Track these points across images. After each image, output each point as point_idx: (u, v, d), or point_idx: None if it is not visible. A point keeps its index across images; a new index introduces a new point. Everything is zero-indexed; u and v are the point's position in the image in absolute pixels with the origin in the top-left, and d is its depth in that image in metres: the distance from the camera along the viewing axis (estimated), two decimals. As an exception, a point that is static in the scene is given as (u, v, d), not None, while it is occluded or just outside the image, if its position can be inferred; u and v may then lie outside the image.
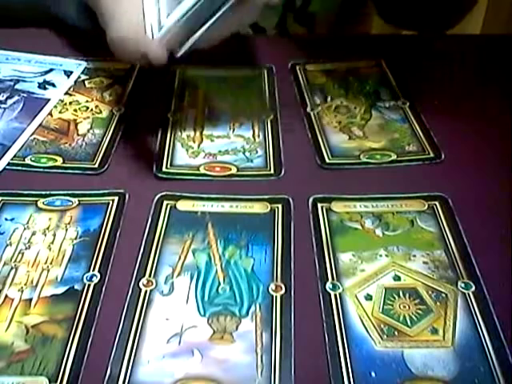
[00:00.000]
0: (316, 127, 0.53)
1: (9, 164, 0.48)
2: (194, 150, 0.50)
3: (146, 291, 0.38)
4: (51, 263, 0.40)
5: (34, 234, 0.42)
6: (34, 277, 0.39)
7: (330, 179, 0.47)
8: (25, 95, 0.56)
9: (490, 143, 0.51)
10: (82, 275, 0.39)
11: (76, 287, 0.38)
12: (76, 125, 0.53)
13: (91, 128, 0.52)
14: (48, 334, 0.35)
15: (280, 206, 0.44)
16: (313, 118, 0.54)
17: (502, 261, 0.40)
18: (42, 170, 0.47)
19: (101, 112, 0.54)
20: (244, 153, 0.50)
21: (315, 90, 0.58)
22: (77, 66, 0.60)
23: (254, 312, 0.36)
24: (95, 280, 0.38)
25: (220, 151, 0.50)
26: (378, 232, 0.42)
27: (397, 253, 0.40)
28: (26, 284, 0.38)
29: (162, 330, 0.36)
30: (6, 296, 0.37)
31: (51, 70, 0.60)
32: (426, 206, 0.44)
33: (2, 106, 0.54)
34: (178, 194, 0.45)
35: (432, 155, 0.49)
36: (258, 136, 0.52)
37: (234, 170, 0.48)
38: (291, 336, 0.35)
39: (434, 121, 0.53)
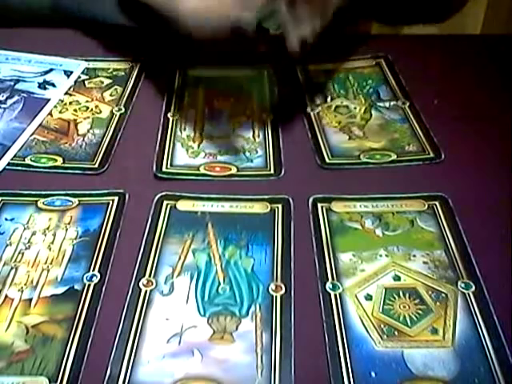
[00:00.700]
0: (316, 127, 0.53)
1: (9, 164, 0.48)
2: (194, 150, 0.50)
3: (146, 291, 0.38)
4: (51, 263, 0.40)
5: (33, 233, 0.42)
6: (34, 277, 0.39)
7: (330, 179, 0.47)
8: (25, 95, 0.56)
9: (490, 143, 0.51)
10: (82, 275, 0.39)
11: (76, 287, 0.38)
12: (76, 125, 0.53)
13: (91, 128, 0.52)
14: (48, 334, 0.35)
15: (280, 205, 0.44)
16: (313, 118, 0.54)
17: (502, 261, 0.40)
18: (42, 169, 0.47)
19: (101, 112, 0.54)
20: (244, 153, 0.50)
21: (315, 90, 0.58)
22: (77, 66, 0.60)
23: (253, 312, 0.36)
24: (95, 280, 0.38)
25: (220, 151, 0.50)
26: (378, 232, 0.42)
27: (397, 253, 0.40)
28: (26, 284, 0.38)
29: (162, 330, 0.36)
30: (6, 296, 0.37)
31: (51, 69, 0.60)
32: (426, 206, 0.44)
33: (2, 105, 0.54)
34: (178, 193, 0.45)
35: (432, 155, 0.49)
36: (258, 136, 0.52)
37: (233, 170, 0.48)
38: (291, 336, 0.35)
39: (433, 121, 0.53)
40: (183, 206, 0.44)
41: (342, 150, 0.50)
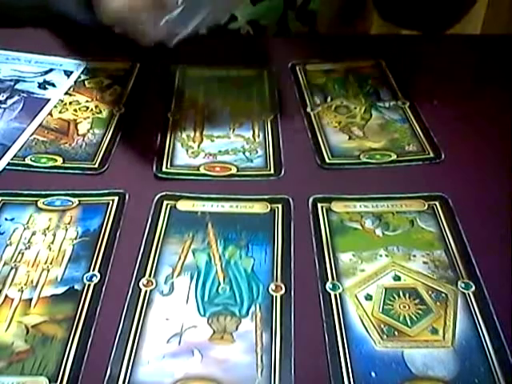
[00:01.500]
0: (316, 127, 0.53)
1: (9, 164, 0.48)
2: (194, 149, 0.50)
3: (146, 291, 0.38)
4: (51, 263, 0.40)
5: (34, 234, 0.42)
6: (34, 277, 0.39)
7: (330, 179, 0.47)
8: (25, 95, 0.56)
9: (490, 143, 0.51)
10: (82, 275, 0.39)
11: (76, 287, 0.38)
12: (76, 125, 0.53)
13: (91, 128, 0.52)
14: (48, 334, 0.35)
15: (280, 205, 0.44)
16: (313, 118, 0.54)
17: (502, 261, 0.40)
18: (42, 169, 0.47)
19: (101, 112, 0.54)
20: (244, 153, 0.50)
21: (315, 90, 0.58)
22: (77, 66, 0.60)
23: (254, 312, 0.36)
24: (95, 280, 0.38)
25: (220, 151, 0.50)
26: (378, 232, 0.42)
27: (397, 253, 0.40)
28: (26, 284, 0.38)
29: (162, 330, 0.36)
30: (6, 296, 0.37)
31: (51, 69, 0.60)
32: (426, 206, 0.44)
33: (2, 105, 0.54)
34: (178, 193, 0.45)
35: (432, 155, 0.49)
36: (258, 136, 0.52)
37: (233, 170, 0.48)
38: (291, 336, 0.35)
39: (434, 121, 0.53)
40: (183, 205, 0.44)
41: (342, 150, 0.50)
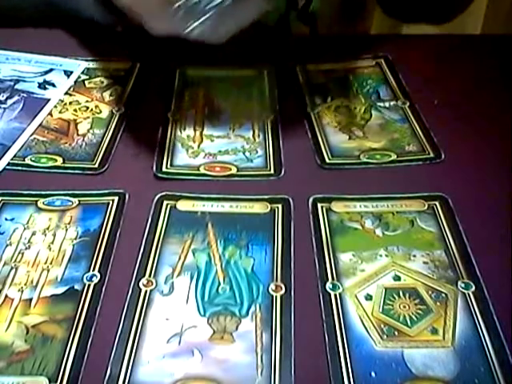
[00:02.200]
0: (316, 127, 0.53)
1: (9, 164, 0.48)
2: (194, 149, 0.50)
3: (146, 291, 0.38)
4: (51, 263, 0.40)
5: (34, 234, 0.42)
6: (34, 277, 0.39)
7: (330, 179, 0.47)
8: (25, 95, 0.56)
9: (490, 143, 0.51)
10: (82, 275, 0.39)
11: (76, 287, 0.38)
12: (76, 125, 0.53)
13: (91, 128, 0.52)
14: (48, 334, 0.35)
15: (280, 205, 0.44)
16: (313, 118, 0.54)
17: (502, 261, 0.40)
18: (42, 169, 0.47)
19: (101, 112, 0.54)
20: (244, 153, 0.50)
21: (315, 90, 0.58)
22: (77, 66, 0.60)
23: (254, 312, 0.36)
24: (95, 280, 0.38)
25: (220, 151, 0.50)
26: (378, 232, 0.42)
27: (397, 253, 0.40)
28: (26, 284, 0.38)
29: (162, 330, 0.36)
30: (6, 296, 0.37)
31: (51, 69, 0.60)
32: (426, 206, 0.44)
33: (2, 106, 0.54)
34: (178, 194, 0.45)
35: (432, 155, 0.49)
36: (258, 136, 0.52)
37: (234, 170, 0.48)
38: (291, 336, 0.35)
39: (434, 121, 0.53)
40: (183, 205, 0.44)
41: (341, 149, 0.50)
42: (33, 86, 0.57)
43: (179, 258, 0.40)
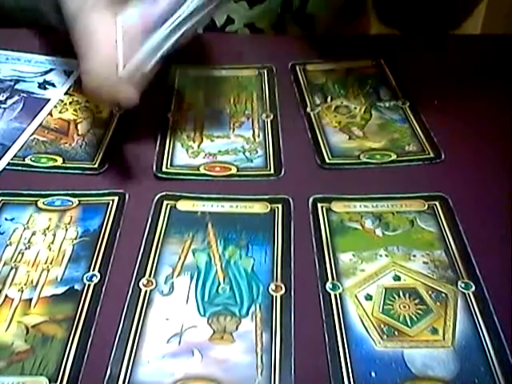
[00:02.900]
0: (316, 127, 0.53)
1: (9, 164, 0.48)
2: (194, 149, 0.50)
3: (146, 291, 0.38)
4: (51, 263, 0.40)
5: (34, 234, 0.42)
6: (34, 277, 0.39)
7: (329, 179, 0.47)
8: (25, 95, 0.56)
9: (490, 143, 0.51)
10: (82, 275, 0.39)
11: (76, 287, 0.38)
12: (76, 125, 0.53)
13: (91, 128, 0.52)
14: (48, 334, 0.35)
15: (280, 205, 0.44)
16: (313, 118, 0.54)
17: (502, 261, 0.40)
18: (42, 169, 0.47)
19: (101, 112, 0.54)
20: (244, 153, 0.50)
21: (315, 90, 0.58)
22: (77, 66, 0.60)
23: (254, 312, 0.36)
24: (95, 280, 0.38)
25: (220, 151, 0.50)
26: (378, 232, 0.42)
27: (397, 253, 0.40)
28: (26, 284, 0.38)
29: (162, 330, 0.36)
30: (6, 296, 0.37)
31: (51, 69, 0.60)
32: (426, 206, 0.44)
33: (2, 106, 0.54)
34: (178, 194, 0.45)
35: (432, 155, 0.49)
36: (258, 136, 0.52)
37: (234, 170, 0.48)
38: (291, 336, 0.35)
39: (434, 121, 0.53)
40: (183, 205, 0.44)
41: (342, 149, 0.50)
42: (33, 86, 0.57)
43: (179, 258, 0.40)
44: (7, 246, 0.41)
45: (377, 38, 0.75)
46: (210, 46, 0.64)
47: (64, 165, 0.48)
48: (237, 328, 0.36)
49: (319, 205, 0.44)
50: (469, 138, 0.51)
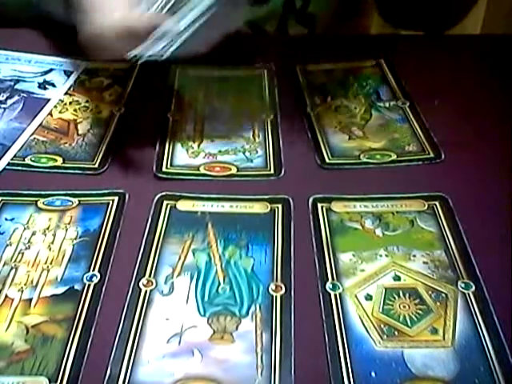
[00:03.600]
0: (316, 127, 0.53)
1: (9, 164, 0.48)
2: (194, 149, 0.50)
3: (146, 291, 0.38)
4: (51, 263, 0.40)
5: (34, 234, 0.42)
6: (34, 277, 0.39)
7: (329, 179, 0.47)
8: (25, 95, 0.56)
9: (490, 143, 0.51)
10: (82, 275, 0.39)
11: (76, 287, 0.38)
12: (76, 125, 0.53)
13: (91, 128, 0.52)
14: (48, 334, 0.35)
15: (280, 205, 0.44)
16: (313, 118, 0.54)
17: (502, 261, 0.40)
18: (42, 169, 0.47)
19: (101, 112, 0.54)
20: (244, 153, 0.50)
21: (315, 90, 0.58)
22: (77, 66, 0.60)
23: (254, 312, 0.36)
24: (95, 280, 0.38)
25: (220, 151, 0.50)
26: (378, 232, 0.42)
27: (397, 253, 0.40)
28: (26, 284, 0.38)
29: (162, 329, 0.36)
30: (6, 296, 0.37)
31: (51, 69, 0.60)
32: (426, 206, 0.44)
33: (2, 105, 0.54)
34: (178, 194, 0.45)
35: (432, 155, 0.49)
36: (258, 136, 0.52)
37: (234, 170, 0.48)
38: (291, 336, 0.35)
39: (434, 121, 0.53)
40: (183, 205, 0.44)
41: (342, 150, 0.50)
42: (33, 86, 0.57)
43: (179, 258, 0.40)
44: (7, 246, 0.41)
45: (377, 37, 0.75)
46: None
47: (64, 165, 0.48)
48: (237, 328, 0.36)
49: (319, 205, 0.44)
50: (469, 138, 0.51)
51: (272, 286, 0.38)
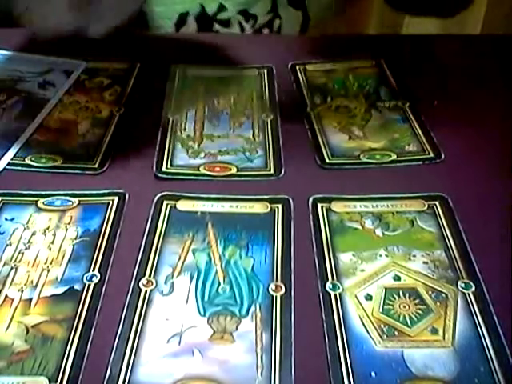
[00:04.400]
0: (316, 127, 0.53)
1: (9, 164, 0.48)
2: (194, 149, 0.50)
3: (146, 291, 0.38)
4: (51, 263, 0.40)
5: (34, 234, 0.42)
6: (34, 277, 0.39)
7: (330, 179, 0.47)
8: (25, 95, 0.56)
9: (490, 143, 0.51)
10: (82, 275, 0.39)
11: (76, 287, 0.38)
12: (76, 125, 0.53)
13: (91, 128, 0.52)
14: (48, 334, 0.35)
15: (280, 206, 0.44)
16: (313, 118, 0.54)
17: (502, 261, 0.40)
18: (41, 169, 0.47)
19: (101, 112, 0.54)
20: (244, 153, 0.50)
21: (315, 90, 0.58)
22: (77, 66, 0.60)
23: (254, 312, 0.36)
24: (95, 280, 0.38)
25: (220, 151, 0.50)
26: (378, 232, 0.42)
27: (397, 253, 0.40)
28: (26, 284, 0.38)
29: (162, 330, 0.36)
30: (6, 296, 0.37)
31: (51, 69, 0.60)
32: (426, 206, 0.44)
33: (2, 106, 0.54)
34: (178, 193, 0.45)
35: (432, 155, 0.49)
36: (258, 136, 0.52)
37: (234, 170, 0.48)
38: (291, 336, 0.35)
39: (434, 121, 0.53)
40: (183, 205, 0.44)
41: (341, 149, 0.50)
42: (33, 86, 0.57)
43: (179, 258, 0.40)
44: (7, 246, 0.41)
45: (377, 37, 0.75)
46: (210, 45, 0.64)
47: (64, 165, 0.48)
48: (237, 328, 0.36)
49: (319, 205, 0.44)
50: (469, 137, 0.51)
51: (272, 286, 0.38)
